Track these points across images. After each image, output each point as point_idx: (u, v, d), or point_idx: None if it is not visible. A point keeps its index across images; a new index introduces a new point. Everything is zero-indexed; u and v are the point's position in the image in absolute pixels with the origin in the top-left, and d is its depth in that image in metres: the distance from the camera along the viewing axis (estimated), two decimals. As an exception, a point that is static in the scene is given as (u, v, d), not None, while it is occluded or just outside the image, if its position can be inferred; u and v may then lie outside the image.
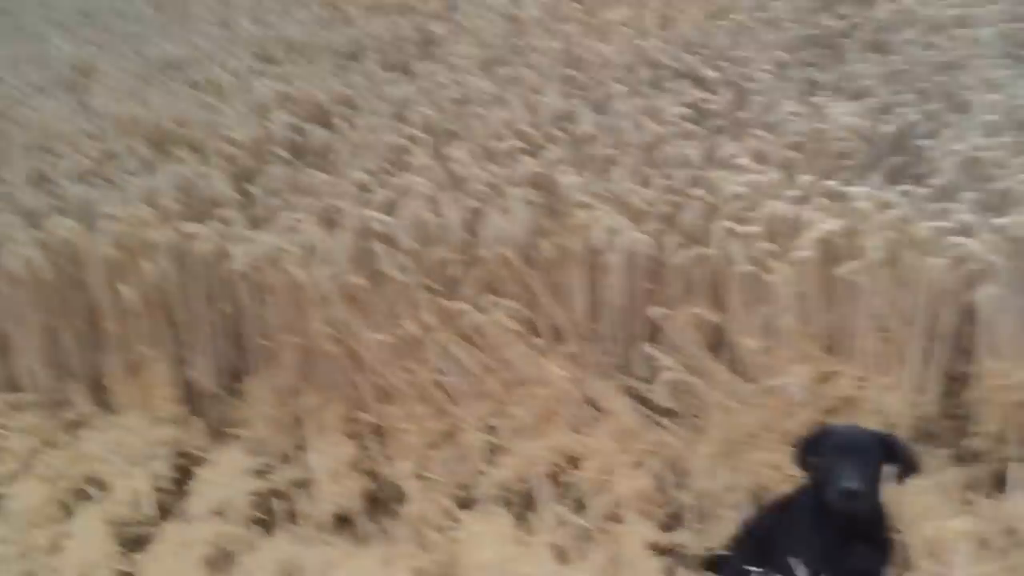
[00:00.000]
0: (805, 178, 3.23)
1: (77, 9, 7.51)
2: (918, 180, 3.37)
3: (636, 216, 3.25)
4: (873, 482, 2.16)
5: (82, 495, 3.02)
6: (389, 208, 3.46)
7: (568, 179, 3.48)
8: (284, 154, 4.19)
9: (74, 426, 3.35)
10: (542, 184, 3.65)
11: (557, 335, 3.23)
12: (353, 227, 3.35)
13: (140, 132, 4.39)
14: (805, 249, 2.80)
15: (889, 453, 2.19)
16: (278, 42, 6.09)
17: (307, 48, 6.02)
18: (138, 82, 5.22)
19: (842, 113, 3.75)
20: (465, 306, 3.11)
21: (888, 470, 2.23)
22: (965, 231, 2.78)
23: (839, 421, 2.75)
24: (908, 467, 2.21)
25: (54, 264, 3.39)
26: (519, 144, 3.95)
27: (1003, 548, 2.41)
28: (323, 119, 4.80)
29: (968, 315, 3.00)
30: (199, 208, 3.75)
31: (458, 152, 3.84)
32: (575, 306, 3.22)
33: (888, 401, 2.71)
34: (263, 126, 4.40)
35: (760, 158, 3.62)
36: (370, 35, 6.16)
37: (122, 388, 3.35)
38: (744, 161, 3.45)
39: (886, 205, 2.90)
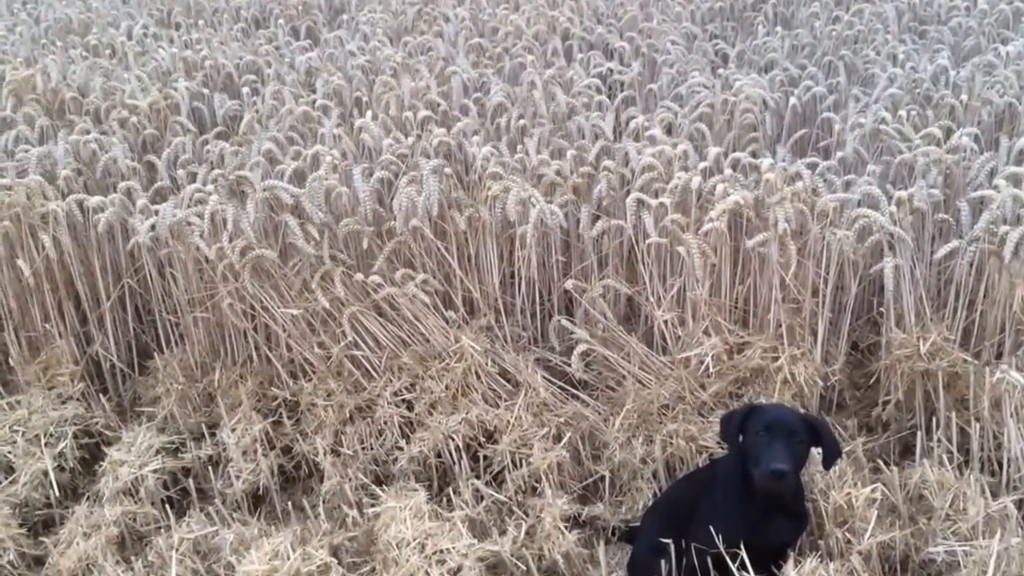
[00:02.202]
0: (714, 150, 3.28)
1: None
2: (824, 153, 3.48)
3: (548, 188, 3.26)
4: (799, 463, 2.24)
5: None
6: (299, 179, 3.38)
7: (480, 150, 3.45)
8: (188, 123, 4.08)
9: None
10: (454, 155, 3.63)
11: (471, 308, 3.23)
12: (261, 198, 3.26)
13: (36, 99, 4.19)
14: (715, 221, 2.84)
15: (815, 436, 2.26)
16: (181, 6, 5.90)
17: (211, 14, 5.85)
18: (33, 46, 4.98)
19: (750, 85, 3.82)
20: (378, 279, 3.07)
21: (812, 452, 2.32)
22: (870, 203, 2.87)
23: (753, 393, 2.84)
24: (831, 452, 2.29)
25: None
26: (430, 115, 3.92)
27: (911, 515, 2.52)
28: (229, 87, 4.68)
29: (874, 286, 3.12)
30: (100, 179, 3.63)
31: (368, 121, 3.78)
32: (489, 279, 3.22)
33: (797, 371, 2.79)
34: (166, 94, 4.26)
35: (670, 130, 3.68)
36: (276, 1, 6.01)
37: (24, 366, 3.22)
38: (655, 133, 3.49)
39: (793, 177, 2.97)
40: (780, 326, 2.94)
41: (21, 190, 3.21)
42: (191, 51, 4.96)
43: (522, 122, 3.82)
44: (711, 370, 2.86)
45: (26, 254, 3.20)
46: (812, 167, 3.08)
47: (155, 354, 3.36)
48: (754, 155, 3.35)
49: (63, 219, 3.20)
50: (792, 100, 3.82)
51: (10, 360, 3.27)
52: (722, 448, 2.66)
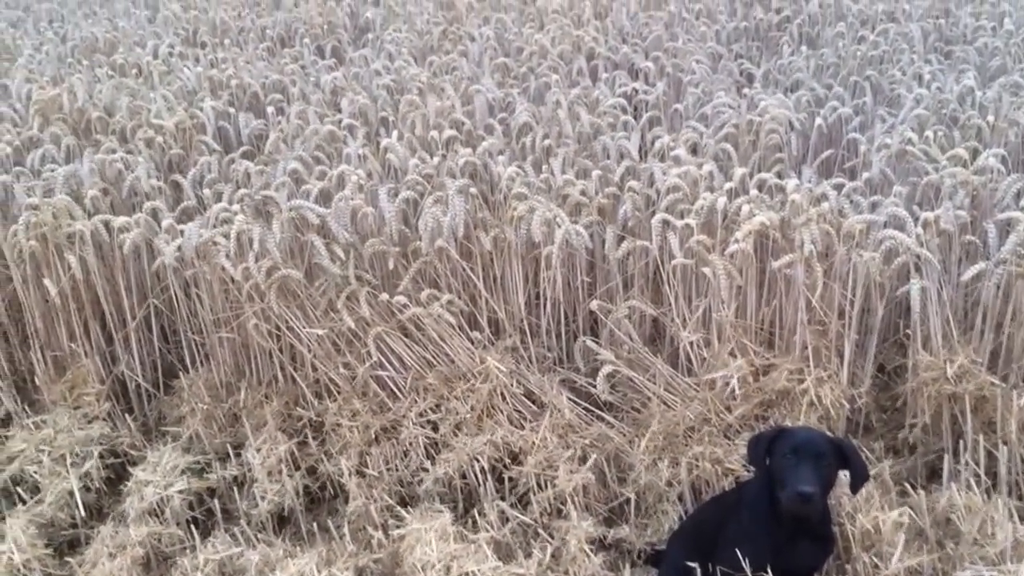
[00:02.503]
0: (739, 170, 3.26)
1: (-7, -13, 7.23)
2: (850, 173, 3.45)
3: (574, 208, 3.25)
4: (826, 486, 2.22)
5: (10, 497, 2.91)
6: (324, 199, 3.40)
7: (505, 170, 3.45)
8: (214, 143, 4.11)
9: (0, 425, 3.23)
10: (479, 175, 3.64)
11: (497, 329, 3.22)
12: (287, 218, 3.27)
13: (62, 118, 4.23)
14: (740, 242, 2.83)
15: (843, 460, 2.24)
16: (207, 26, 5.95)
17: (237, 33, 5.90)
18: (60, 65, 5.04)
19: (775, 106, 3.81)
20: (403, 299, 3.07)
21: (840, 475, 2.29)
22: (896, 224, 2.84)
23: (779, 416, 2.81)
24: (859, 476, 2.27)
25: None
26: (455, 134, 3.93)
27: (938, 539, 2.49)
28: (255, 107, 4.71)
29: (901, 308, 3.09)
30: (125, 199, 3.65)
31: (394, 142, 3.79)
32: (514, 299, 3.21)
33: (824, 394, 2.76)
34: (192, 114, 4.30)
35: (696, 150, 3.67)
36: (302, 20, 6.06)
37: (50, 386, 3.23)
38: (680, 153, 3.48)
39: (819, 198, 2.96)
40: (806, 348, 2.91)
41: (48, 210, 3.24)
42: (217, 70, 5.00)
43: (547, 142, 3.82)
44: (737, 392, 2.84)
45: (52, 274, 3.23)
46: (838, 188, 3.06)
47: (180, 374, 3.37)
48: (780, 176, 3.33)
49: (89, 239, 3.23)
50: (818, 120, 3.80)
51: (36, 379, 3.29)
52: (748, 471, 2.63)
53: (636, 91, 4.46)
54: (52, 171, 3.58)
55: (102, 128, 4.21)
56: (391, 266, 3.18)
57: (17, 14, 6.32)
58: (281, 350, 3.18)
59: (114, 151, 3.82)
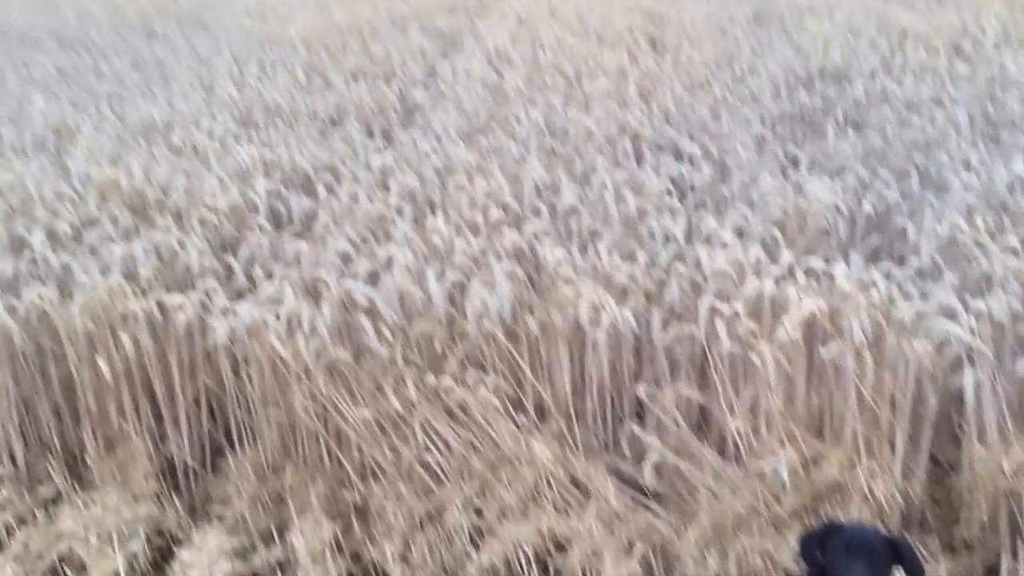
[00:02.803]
0: (787, 256, 3.25)
1: (57, 68, 7.52)
2: (899, 260, 3.42)
3: (620, 292, 3.26)
4: None
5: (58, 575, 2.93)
6: (372, 280, 3.44)
7: (552, 253, 3.48)
8: (265, 223, 4.18)
9: (50, 503, 3.26)
10: (526, 257, 3.66)
11: (542, 413, 3.20)
12: (336, 299, 3.31)
13: (120, 197, 4.35)
14: (789, 329, 2.80)
15: (897, 556, 2.18)
16: (260, 107, 6.12)
17: (289, 113, 6.06)
18: (118, 145, 5.20)
19: (822, 190, 3.81)
20: (449, 382, 3.08)
21: (894, 573, 2.23)
22: (948, 313, 2.81)
23: (833, 512, 2.74)
24: (914, 574, 2.20)
25: (31, 335, 3.32)
26: (502, 216, 3.97)
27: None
28: (306, 187, 4.81)
29: (954, 399, 3.02)
30: (179, 278, 3.72)
31: (441, 223, 3.84)
32: (560, 383, 3.20)
33: (876, 487, 2.70)
34: (245, 193, 4.40)
35: (742, 234, 3.67)
36: (352, 101, 6.22)
37: (100, 464, 3.27)
38: (726, 237, 3.49)
39: (868, 285, 2.93)
40: (857, 438, 2.86)
41: (103, 289, 3.31)
42: (269, 151, 5.13)
43: (593, 224, 3.85)
44: (787, 483, 2.78)
45: (106, 352, 3.28)
46: (887, 275, 3.04)
47: (227, 453, 3.38)
48: (827, 261, 3.31)
49: (143, 318, 3.28)
50: (865, 205, 3.79)
51: (87, 457, 3.33)
52: (800, 567, 2.56)
53: (682, 174, 4.48)
54: (109, 250, 3.66)
55: (158, 207, 4.31)
56: (438, 348, 3.19)
57: (79, 95, 6.56)
58: (328, 431, 3.18)
59: (169, 230, 3.91)
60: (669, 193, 4.16)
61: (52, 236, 3.83)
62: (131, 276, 3.49)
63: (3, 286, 3.47)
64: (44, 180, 4.47)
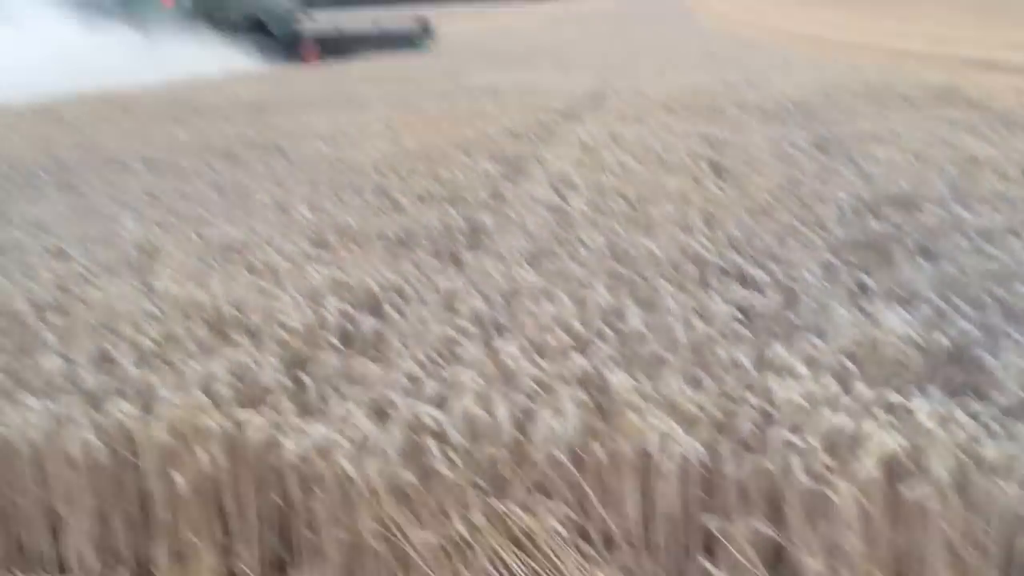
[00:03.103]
0: (861, 388, 3.21)
1: (144, 189, 7.90)
2: (980, 395, 3.34)
3: (688, 421, 3.23)
4: None
5: None
6: (440, 401, 3.47)
7: (618, 378, 3.48)
8: (336, 342, 4.27)
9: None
10: (592, 382, 3.66)
11: (609, 543, 3.15)
12: (404, 420, 3.34)
13: (199, 315, 4.49)
14: (868, 466, 2.74)
15: None
16: (332, 228, 6.32)
17: (360, 234, 6.24)
18: (199, 264, 5.40)
19: (895, 321, 3.77)
20: (515, 508, 3.06)
21: None
22: (1037, 453, 2.72)
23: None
24: None
25: (110, 447, 3.41)
26: (568, 340, 4.00)
27: None
28: (374, 307, 4.92)
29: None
30: (252, 395, 3.80)
31: (507, 346, 3.88)
32: (627, 513, 3.15)
33: (963, 635, 2.58)
34: (316, 313, 4.51)
35: (813, 364, 3.63)
36: (420, 224, 6.38)
37: (168, 575, 3.29)
38: (797, 367, 3.45)
39: (951, 422, 2.86)
40: (942, 582, 2.74)
41: (181, 405, 3.40)
42: (340, 271, 5.27)
43: (659, 349, 3.85)
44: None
45: (181, 466, 3.34)
46: (969, 412, 2.96)
47: (291, 570, 3.37)
48: (904, 395, 3.25)
49: (217, 434, 3.35)
50: (941, 337, 3.73)
51: (154, 569, 3.35)
52: None
53: (748, 300, 4.48)
54: (188, 366, 3.77)
55: (235, 325, 4.44)
56: (504, 473, 3.18)
57: (164, 216, 6.85)
58: (392, 553, 3.16)
59: (245, 348, 4.02)
60: (736, 319, 4.16)
61: (136, 352, 3.97)
62: (208, 392, 3.58)
63: (88, 399, 3.58)
64: (130, 297, 4.66)
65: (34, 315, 4.59)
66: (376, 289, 5.00)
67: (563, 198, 6.79)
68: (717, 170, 7.78)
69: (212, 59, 24.22)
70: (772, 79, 14.33)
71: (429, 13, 38.07)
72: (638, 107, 11.76)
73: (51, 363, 3.91)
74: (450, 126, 10.87)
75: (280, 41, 30.96)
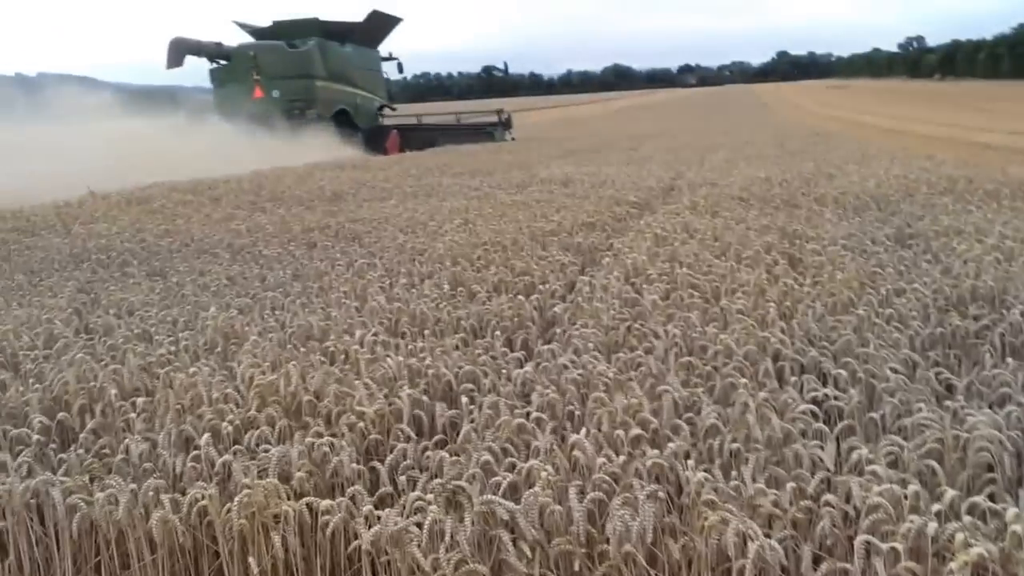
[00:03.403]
0: (948, 491, 3.10)
1: (228, 277, 8.17)
2: (1074, 502, 3.20)
3: (766, 520, 3.16)
4: None
5: None
6: (513, 493, 3.46)
7: (694, 475, 3.43)
8: (410, 431, 4.31)
9: None
10: (666, 478, 3.62)
11: (684, 644, 3.06)
12: (477, 511, 3.34)
13: (278, 401, 4.59)
14: (954, 573, 2.63)
15: None
16: (408, 317, 6.43)
17: (434, 324, 6.33)
18: (278, 350, 5.54)
19: (982, 422, 3.66)
20: (588, 605, 3.01)
21: None
22: None
23: None
24: None
25: (189, 529, 3.48)
26: (642, 433, 3.97)
27: None
28: (448, 396, 4.96)
29: None
30: (328, 481, 3.85)
31: (581, 438, 3.87)
32: (704, 614, 3.07)
33: None
34: (391, 400, 4.57)
35: (896, 465, 3.53)
36: (494, 313, 6.45)
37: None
38: (879, 468, 3.36)
39: (1043, 529, 2.75)
40: None
41: (259, 490, 3.46)
42: (415, 359, 5.34)
43: (735, 446, 3.79)
44: None
45: (257, 551, 3.38)
46: (1065, 519, 2.84)
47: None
48: (992, 499, 3.14)
49: (294, 520, 3.40)
50: (1031, 439, 3.60)
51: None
52: None
53: (827, 397, 4.40)
54: (266, 451, 3.85)
55: (311, 411, 4.53)
56: (577, 568, 3.14)
57: (246, 301, 7.07)
58: (462, 649, 3.12)
59: (321, 435, 4.09)
60: (814, 416, 4.08)
61: (216, 436, 4.07)
62: (285, 478, 3.64)
63: (170, 482, 3.68)
64: (212, 382, 4.80)
65: (121, 398, 4.76)
66: (450, 378, 5.05)
67: (636, 289, 6.81)
68: (793, 263, 7.73)
69: (299, 149, 25.42)
70: (850, 172, 14.26)
71: (507, 105, 39.19)
72: (711, 199, 11.80)
73: (136, 446, 4.03)
74: (524, 217, 11.05)
75: (364, 132, 32.18)
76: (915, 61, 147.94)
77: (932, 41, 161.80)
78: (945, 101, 57.57)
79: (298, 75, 30.01)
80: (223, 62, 30.97)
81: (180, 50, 29.98)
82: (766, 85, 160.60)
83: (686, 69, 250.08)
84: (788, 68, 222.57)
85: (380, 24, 32.99)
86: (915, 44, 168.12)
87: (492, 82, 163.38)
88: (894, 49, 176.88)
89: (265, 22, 32.32)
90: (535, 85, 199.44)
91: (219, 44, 30.71)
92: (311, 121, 29.48)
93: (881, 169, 14.34)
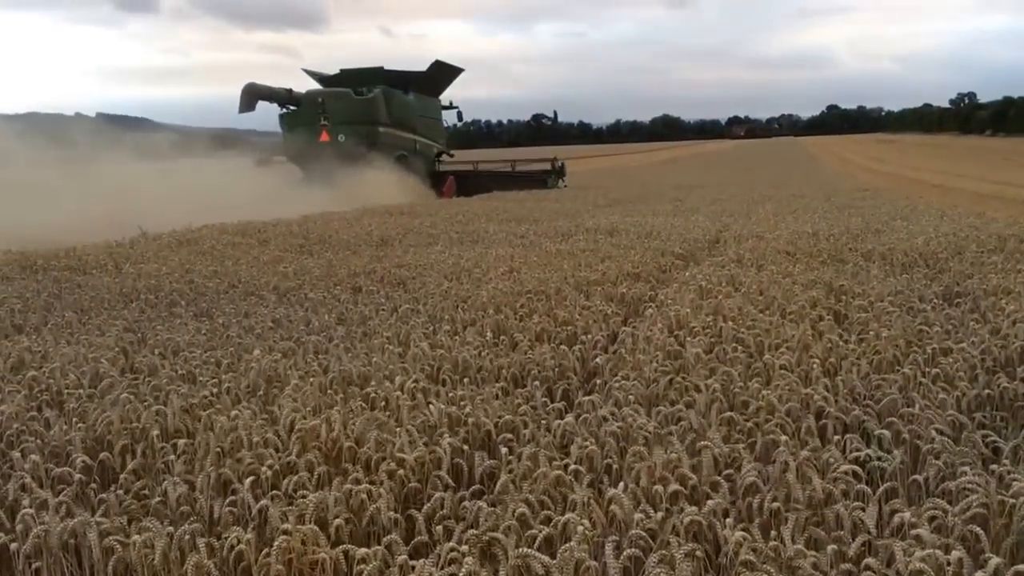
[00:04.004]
0: (992, 558, 3.03)
1: (273, 319, 8.29)
2: None
3: (806, 582, 3.11)
4: None
5: None
6: (549, 546, 3.45)
7: (732, 534, 3.39)
8: (448, 479, 4.32)
9: None
10: (704, 536, 3.58)
11: None
12: (512, 564, 3.33)
13: (318, 446, 4.63)
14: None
15: None
16: (450, 364, 6.47)
17: (476, 372, 6.36)
18: (320, 395, 5.59)
19: (1029, 488, 3.57)
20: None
21: None
22: None
23: None
24: None
25: (226, 575, 3.50)
26: (680, 489, 3.94)
27: None
28: (487, 445, 4.97)
29: None
30: (365, 529, 3.87)
31: (619, 493, 3.85)
32: (740, 678, 3.01)
33: None
34: (431, 449, 4.58)
35: (939, 530, 3.46)
36: (535, 362, 6.46)
37: None
38: (923, 532, 3.29)
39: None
40: None
41: (297, 536, 3.48)
42: (456, 407, 5.36)
43: (775, 504, 3.74)
44: None
45: (292, 598, 3.40)
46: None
47: None
48: (1041, 568, 3.05)
49: (331, 567, 3.41)
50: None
51: None
52: None
53: (870, 457, 4.33)
54: (303, 497, 3.88)
55: (351, 457, 4.56)
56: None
57: (290, 345, 7.17)
58: None
59: (359, 481, 4.11)
60: (856, 477, 4.02)
61: (255, 480, 4.11)
62: (322, 524, 3.66)
63: (207, 526, 3.72)
64: (252, 426, 4.86)
65: (163, 439, 4.84)
66: (490, 427, 5.06)
67: (679, 342, 6.78)
68: (839, 319, 7.65)
69: (361, 191, 26.27)
70: (897, 228, 14.12)
71: (556, 153, 39.83)
72: (757, 252, 11.74)
73: (174, 489, 4.08)
74: (569, 266, 11.09)
75: (422, 176, 33.02)
76: (966, 117, 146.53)
77: (984, 97, 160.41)
78: (996, 158, 56.78)
79: (363, 121, 31.37)
80: (292, 107, 32.28)
81: (253, 95, 31.60)
82: (815, 138, 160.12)
83: (735, 121, 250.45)
84: (838, 121, 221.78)
85: (443, 74, 34.59)
86: (967, 100, 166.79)
87: (541, 130, 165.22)
88: (945, 105, 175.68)
89: (333, 70, 33.92)
90: (584, 134, 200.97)
91: (289, 91, 32.17)
92: (374, 165, 30.46)
93: (930, 226, 14.17)
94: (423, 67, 34.02)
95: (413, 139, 33.70)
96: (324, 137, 30.78)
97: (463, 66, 35.50)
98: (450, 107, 36.52)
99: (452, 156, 37.65)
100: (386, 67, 33.13)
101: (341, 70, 33.34)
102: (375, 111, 31.84)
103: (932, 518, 3.49)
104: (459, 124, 40.63)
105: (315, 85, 33.50)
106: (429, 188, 31.96)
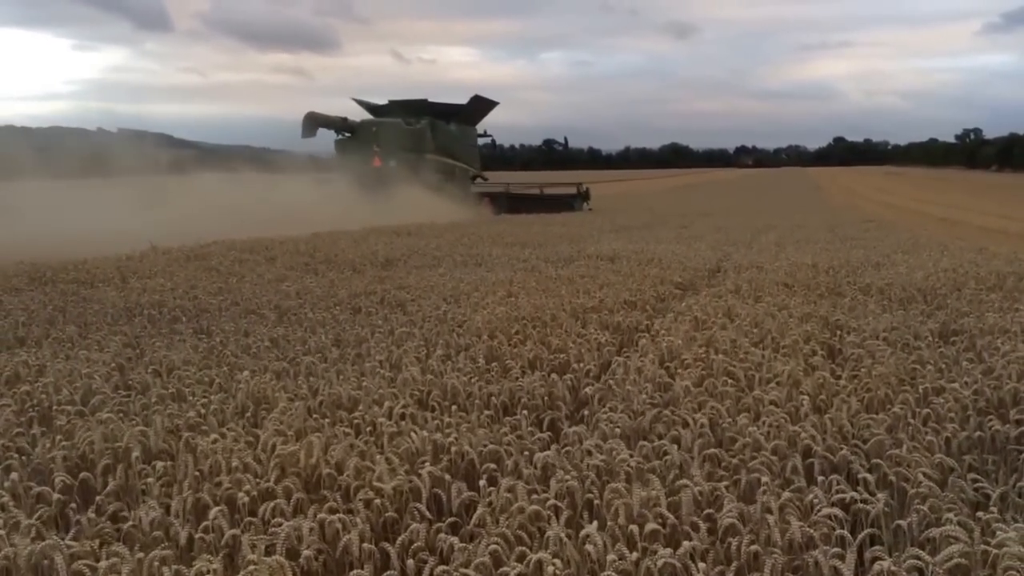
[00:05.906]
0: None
1: (270, 338, 8.27)
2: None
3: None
4: None
5: None
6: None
7: (708, 576, 3.34)
8: (425, 511, 4.26)
9: None
10: (680, 576, 3.52)
11: None
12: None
13: (298, 473, 4.59)
14: None
15: None
16: (439, 389, 6.43)
17: (464, 398, 6.32)
18: (305, 419, 5.55)
19: (1011, 538, 3.50)
20: None
21: None
22: None
23: None
24: None
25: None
26: (658, 528, 3.88)
27: None
28: (469, 475, 4.92)
29: None
30: (339, 559, 3.82)
31: (593, 531, 3.79)
32: None
33: None
34: (411, 478, 4.53)
35: (920, 579, 3.40)
36: (525, 390, 6.42)
37: None
38: (901, 582, 3.24)
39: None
40: None
41: (264, 568, 3.43)
42: (441, 434, 5.32)
43: (754, 547, 3.69)
44: None
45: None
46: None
47: None
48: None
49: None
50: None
51: None
52: None
53: (854, 500, 4.26)
54: (278, 524, 3.83)
55: (329, 484, 4.51)
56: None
57: (283, 365, 7.14)
58: None
59: (335, 511, 4.06)
60: (838, 522, 3.95)
61: (231, 506, 4.07)
62: (294, 553, 3.62)
63: (177, 553, 3.67)
64: (234, 450, 4.81)
65: (143, 460, 4.79)
66: (473, 456, 5.01)
67: (671, 374, 6.73)
68: (831, 355, 7.59)
69: (408, 207, 28.42)
70: (898, 262, 14.05)
71: (565, 178, 41.73)
72: (756, 283, 11.69)
73: (147, 513, 4.03)
74: (567, 292, 11.06)
75: (458, 197, 35.85)
76: (972, 152, 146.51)
77: (989, 133, 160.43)
78: (1002, 192, 56.75)
79: (412, 149, 35.70)
80: (347, 135, 36.22)
81: (314, 123, 35.75)
82: (821, 169, 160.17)
83: (743, 150, 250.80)
84: (844, 153, 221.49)
85: (480, 107, 39.03)
86: (972, 135, 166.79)
87: (552, 155, 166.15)
88: (951, 140, 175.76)
89: (382, 100, 38.04)
90: (594, 159, 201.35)
91: (344, 119, 36.42)
92: (417, 186, 33.26)
93: (930, 260, 14.10)
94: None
95: (453, 164, 37.36)
96: (377, 163, 34.77)
97: (496, 99, 39.47)
98: (484, 135, 40.23)
99: (486, 179, 40.97)
100: (430, 99, 37.40)
101: (390, 101, 37.74)
102: (423, 140, 36.13)
103: (912, 568, 3.43)
104: (494, 150, 44.87)
105: (364, 113, 37.77)
106: (467, 207, 34.72)
